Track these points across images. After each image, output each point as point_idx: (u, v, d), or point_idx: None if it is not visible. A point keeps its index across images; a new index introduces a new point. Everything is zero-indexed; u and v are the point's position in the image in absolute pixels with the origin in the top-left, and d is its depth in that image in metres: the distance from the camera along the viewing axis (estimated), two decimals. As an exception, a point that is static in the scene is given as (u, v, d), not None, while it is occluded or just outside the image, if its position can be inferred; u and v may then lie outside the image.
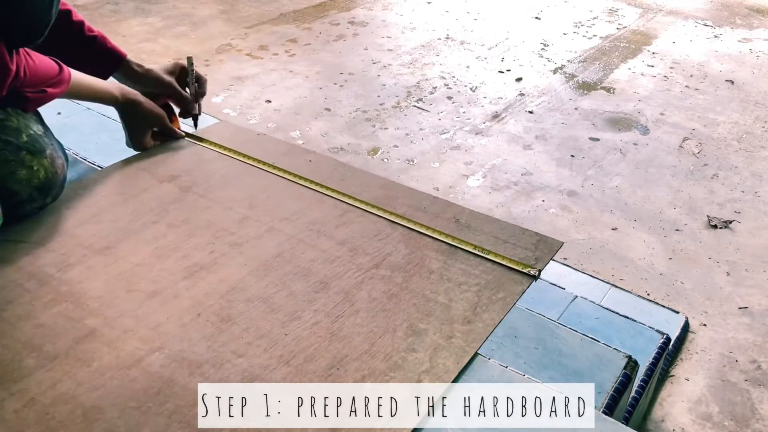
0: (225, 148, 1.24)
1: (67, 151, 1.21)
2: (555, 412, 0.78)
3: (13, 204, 0.99)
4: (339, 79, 2.85)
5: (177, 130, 1.28)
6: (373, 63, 3.03)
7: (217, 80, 2.74)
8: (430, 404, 0.76)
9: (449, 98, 2.74)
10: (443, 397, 0.78)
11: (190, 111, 1.28)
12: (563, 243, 1.04)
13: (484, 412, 0.78)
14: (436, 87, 2.83)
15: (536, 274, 0.96)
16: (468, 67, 3.03)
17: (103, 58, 1.22)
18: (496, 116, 2.62)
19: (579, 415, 0.78)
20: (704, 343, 1.59)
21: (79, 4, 3.38)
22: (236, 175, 1.17)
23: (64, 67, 1.04)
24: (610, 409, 0.97)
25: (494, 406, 0.79)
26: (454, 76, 2.93)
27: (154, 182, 1.13)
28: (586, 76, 2.99)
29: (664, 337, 1.38)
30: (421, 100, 2.72)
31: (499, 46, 3.25)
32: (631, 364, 1.04)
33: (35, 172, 1.00)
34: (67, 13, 1.16)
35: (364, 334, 0.85)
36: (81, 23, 1.18)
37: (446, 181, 2.19)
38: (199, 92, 1.30)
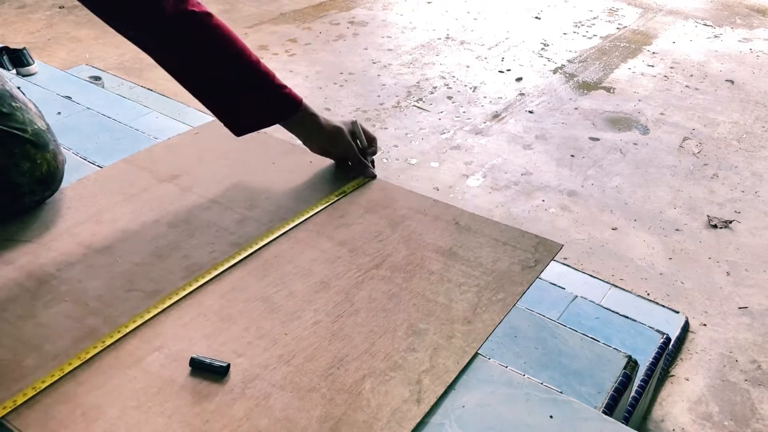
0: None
1: (67, 151, 1.22)
2: (555, 412, 0.78)
3: (15, 196, 1.00)
4: (339, 79, 2.85)
5: (370, 166, 1.17)
6: (373, 63, 3.03)
7: (217, 80, 2.73)
8: (430, 404, 0.76)
9: (449, 98, 2.74)
10: (443, 397, 0.78)
11: (368, 175, 1.16)
12: (563, 245, 1.04)
13: (484, 412, 0.78)
14: (436, 87, 2.83)
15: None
16: (468, 66, 3.03)
17: (276, 99, 1.05)
18: (496, 116, 2.62)
19: (579, 416, 0.78)
20: (704, 343, 1.59)
21: (79, 4, 3.38)
22: (236, 176, 1.17)
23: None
24: (610, 409, 0.97)
25: (494, 406, 0.79)
26: (454, 76, 2.93)
27: (154, 182, 1.13)
28: (586, 75, 2.99)
29: (664, 337, 1.38)
30: (421, 99, 2.72)
31: (499, 46, 3.25)
32: (631, 364, 1.04)
33: (38, 165, 1.02)
34: (229, 38, 1.01)
35: (364, 333, 0.85)
36: (252, 56, 1.03)
37: (446, 181, 2.19)
38: (371, 152, 1.19)
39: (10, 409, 0.72)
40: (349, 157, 1.16)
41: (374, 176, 1.17)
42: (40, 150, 1.02)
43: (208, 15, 0.98)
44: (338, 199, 1.11)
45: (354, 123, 1.16)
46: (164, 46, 0.98)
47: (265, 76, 1.03)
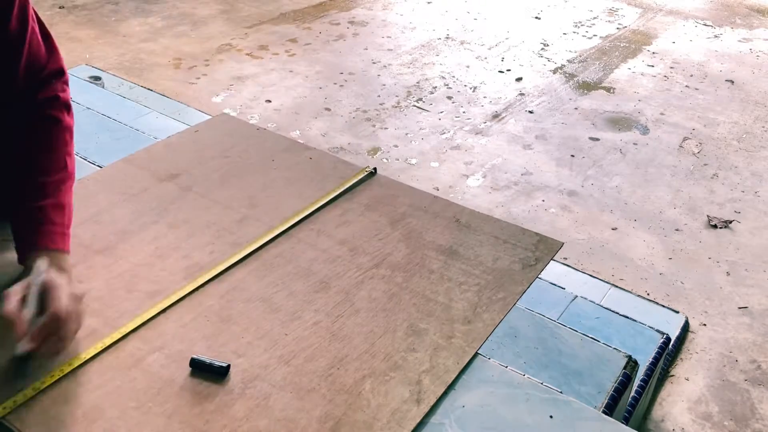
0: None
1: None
2: (555, 411, 0.78)
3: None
4: (339, 79, 2.85)
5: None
6: (373, 63, 3.03)
7: (217, 80, 2.74)
8: (430, 404, 0.76)
9: (449, 98, 2.74)
10: (443, 397, 0.78)
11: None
12: (563, 243, 1.04)
13: (484, 412, 0.78)
14: (436, 87, 2.83)
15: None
16: (468, 66, 3.03)
17: (42, 230, 0.85)
18: (496, 116, 2.62)
19: (579, 415, 0.78)
20: (704, 343, 1.59)
21: (78, 3, 3.38)
22: (236, 175, 1.16)
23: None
24: (610, 409, 0.97)
25: (494, 406, 0.78)
26: (454, 76, 2.93)
27: (154, 182, 1.13)
28: (586, 75, 2.99)
29: (664, 336, 1.38)
30: (421, 99, 2.72)
31: (499, 46, 3.25)
32: (631, 364, 1.04)
33: None
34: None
35: (364, 333, 0.85)
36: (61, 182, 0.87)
37: (446, 181, 2.19)
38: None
39: (10, 410, 0.72)
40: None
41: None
42: None
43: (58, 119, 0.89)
44: (338, 195, 1.11)
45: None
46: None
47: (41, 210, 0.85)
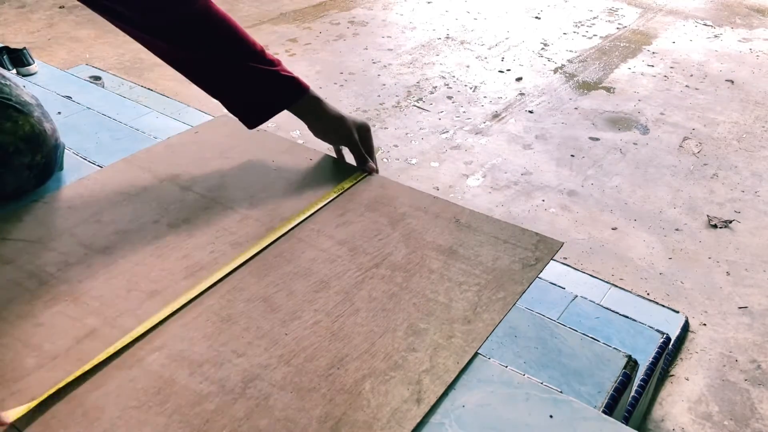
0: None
1: (67, 151, 1.22)
2: (555, 411, 0.78)
3: (2, 158, 1.03)
4: (339, 79, 2.85)
5: (370, 160, 1.17)
6: (373, 62, 3.03)
7: (217, 80, 2.74)
8: (430, 404, 0.76)
9: (449, 98, 2.74)
10: (443, 397, 0.78)
11: (367, 170, 1.17)
12: (563, 243, 1.04)
13: (484, 412, 0.78)
14: (436, 87, 2.83)
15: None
16: (468, 66, 3.03)
17: (284, 86, 1.08)
18: (496, 116, 2.62)
19: (579, 415, 0.78)
20: (704, 343, 1.59)
21: (78, 3, 3.38)
22: (236, 175, 1.17)
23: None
24: (610, 409, 0.97)
25: (494, 405, 0.79)
26: (454, 76, 2.93)
27: (154, 181, 1.13)
28: (586, 75, 2.99)
29: (664, 336, 1.38)
30: (421, 99, 2.72)
31: (499, 46, 3.25)
32: (631, 364, 1.04)
33: (20, 125, 1.05)
34: (232, 27, 1.03)
35: (364, 333, 0.85)
36: (256, 45, 1.05)
37: (446, 181, 2.19)
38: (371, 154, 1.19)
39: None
40: (349, 145, 1.16)
41: (375, 171, 1.17)
42: (23, 114, 1.06)
43: (208, 3, 1.01)
44: (338, 196, 1.11)
45: (365, 124, 1.16)
46: (164, 38, 1.00)
47: (271, 64, 1.06)
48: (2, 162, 1.04)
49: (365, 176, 1.17)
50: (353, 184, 1.14)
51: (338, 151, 1.20)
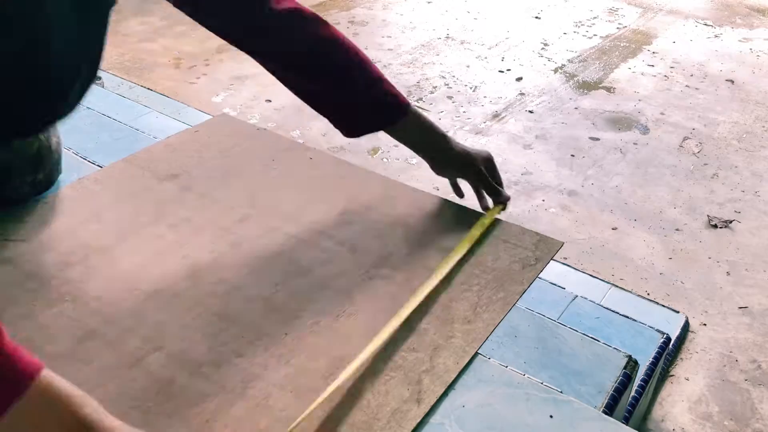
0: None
1: (67, 151, 1.21)
2: (555, 411, 0.78)
3: (3, 173, 1.01)
4: (339, 79, 2.84)
5: (503, 191, 1.08)
6: (373, 62, 3.03)
7: (217, 80, 2.74)
8: (430, 404, 0.76)
9: (449, 98, 2.74)
10: (443, 397, 0.78)
11: (503, 201, 1.08)
12: (563, 243, 1.04)
13: (484, 412, 0.78)
14: (436, 86, 2.83)
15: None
16: (468, 66, 3.03)
17: (384, 102, 1.01)
18: (496, 116, 2.62)
19: (579, 415, 0.78)
20: (704, 343, 1.59)
21: (79, 3, 3.37)
22: (236, 175, 1.17)
23: None
24: (610, 409, 0.97)
25: (494, 405, 0.78)
26: (454, 76, 2.93)
27: (154, 181, 1.13)
28: (587, 75, 2.99)
29: (664, 336, 1.38)
30: (421, 99, 2.72)
31: (499, 46, 3.25)
32: (631, 364, 1.03)
33: (29, 143, 1.03)
34: (341, 39, 1.01)
35: (364, 333, 0.85)
36: (363, 59, 1.00)
37: (446, 181, 2.19)
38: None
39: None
40: (478, 181, 1.06)
41: (508, 199, 1.09)
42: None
43: (316, 15, 1.00)
44: (337, 196, 1.10)
45: (489, 155, 1.08)
46: (273, 44, 1.01)
47: (378, 80, 1.01)
48: (2, 180, 1.01)
49: (502, 208, 1.09)
50: (354, 184, 1.14)
51: (454, 184, 1.13)
